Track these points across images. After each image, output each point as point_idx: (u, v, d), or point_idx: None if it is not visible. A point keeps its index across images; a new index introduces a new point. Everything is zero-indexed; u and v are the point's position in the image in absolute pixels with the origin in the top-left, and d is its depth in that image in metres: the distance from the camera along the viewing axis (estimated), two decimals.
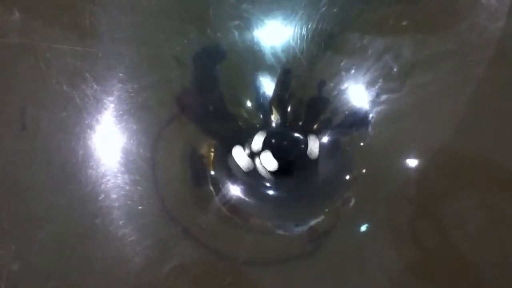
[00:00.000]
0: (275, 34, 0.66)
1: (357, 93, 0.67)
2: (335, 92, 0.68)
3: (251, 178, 0.72)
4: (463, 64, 0.65)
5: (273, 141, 0.73)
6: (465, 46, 0.64)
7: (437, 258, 0.65)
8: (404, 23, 0.65)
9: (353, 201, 0.68)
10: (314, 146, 0.72)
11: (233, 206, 0.69)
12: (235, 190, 0.70)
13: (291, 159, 0.73)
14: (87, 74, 0.63)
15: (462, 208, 0.64)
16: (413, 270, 0.65)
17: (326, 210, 0.70)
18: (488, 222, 0.63)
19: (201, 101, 0.70)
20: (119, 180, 0.64)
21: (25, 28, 0.63)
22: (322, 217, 0.69)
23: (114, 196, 0.63)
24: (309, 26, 0.65)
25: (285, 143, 0.73)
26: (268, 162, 0.71)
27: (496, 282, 0.62)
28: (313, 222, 0.68)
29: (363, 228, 0.67)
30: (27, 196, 0.63)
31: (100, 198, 0.63)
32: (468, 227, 0.64)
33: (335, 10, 0.64)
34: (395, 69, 0.66)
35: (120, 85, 0.64)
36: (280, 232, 0.69)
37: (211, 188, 0.69)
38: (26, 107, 0.63)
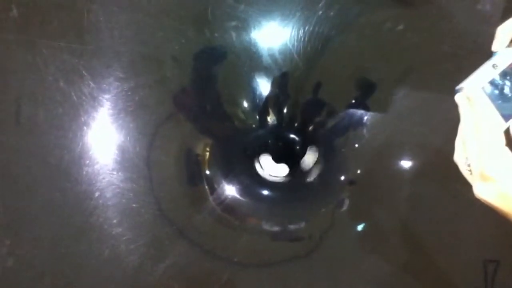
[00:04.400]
0: (273, 36, 0.65)
1: (353, 96, 0.67)
2: (331, 94, 0.68)
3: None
4: (458, 68, 0.65)
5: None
6: (460, 50, 0.64)
7: (429, 259, 0.64)
8: (401, 26, 0.64)
9: (347, 202, 0.69)
10: (309, 159, 0.73)
11: (228, 205, 0.68)
12: (230, 190, 0.69)
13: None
14: (84, 72, 0.62)
15: (457, 211, 0.64)
16: (405, 270, 0.65)
17: (322, 210, 0.71)
18: (481, 225, 0.64)
19: (198, 101, 0.68)
20: (115, 178, 0.62)
21: (22, 24, 0.62)
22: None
23: (109, 194, 0.62)
24: (306, 28, 0.64)
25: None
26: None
27: None
28: None
29: (358, 229, 0.67)
30: (22, 192, 0.62)
31: (96, 196, 0.61)
32: (464, 230, 0.64)
33: (332, 13, 0.63)
34: (391, 72, 0.66)
35: (117, 83, 0.63)
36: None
37: (206, 187, 0.68)
38: (22, 103, 0.63)
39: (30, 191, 0.62)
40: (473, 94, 0.35)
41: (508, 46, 0.37)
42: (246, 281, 0.65)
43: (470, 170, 0.36)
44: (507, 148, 0.34)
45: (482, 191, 0.35)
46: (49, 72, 0.62)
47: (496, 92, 0.35)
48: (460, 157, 0.37)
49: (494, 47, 0.37)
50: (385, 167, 0.68)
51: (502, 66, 0.36)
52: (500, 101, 0.35)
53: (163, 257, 0.63)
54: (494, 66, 0.36)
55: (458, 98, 0.37)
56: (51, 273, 0.62)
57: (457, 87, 0.37)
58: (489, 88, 0.35)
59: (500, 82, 0.36)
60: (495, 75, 0.36)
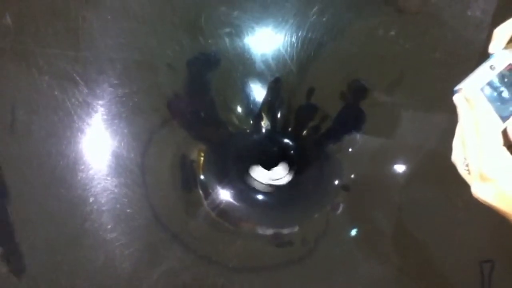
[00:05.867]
0: (266, 42, 0.65)
1: (346, 101, 0.67)
2: (324, 99, 0.68)
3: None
4: (449, 73, 0.66)
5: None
6: (451, 56, 0.64)
7: (425, 262, 0.65)
8: (393, 33, 0.64)
9: (341, 206, 0.69)
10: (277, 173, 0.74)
11: (223, 210, 0.68)
12: (224, 195, 0.69)
13: None
14: (78, 79, 0.62)
15: (452, 213, 0.64)
16: (401, 274, 0.65)
17: (316, 215, 0.71)
18: (476, 226, 0.65)
19: (192, 107, 0.68)
20: (109, 184, 0.62)
21: (17, 32, 0.62)
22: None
23: (103, 199, 0.61)
24: (299, 34, 0.64)
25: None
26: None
27: None
28: None
29: (352, 233, 0.67)
30: (17, 199, 0.62)
31: (90, 201, 0.61)
32: (458, 232, 0.65)
33: (324, 19, 0.64)
34: (383, 78, 0.66)
35: (111, 89, 0.63)
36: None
37: (201, 192, 0.68)
38: (17, 110, 0.63)
39: (25, 198, 0.62)
40: (471, 95, 0.36)
41: (505, 48, 0.37)
42: (241, 286, 0.65)
43: (468, 170, 0.37)
44: (504, 148, 0.35)
45: (480, 190, 0.36)
46: (43, 79, 0.62)
47: (495, 94, 0.36)
48: (458, 157, 0.37)
49: (491, 49, 0.37)
50: (379, 171, 0.68)
51: (500, 68, 0.36)
52: (498, 103, 0.36)
53: (158, 263, 0.63)
54: (491, 67, 0.36)
55: (456, 99, 0.37)
56: (46, 279, 0.62)
57: (456, 88, 0.37)
58: (487, 90, 0.36)
59: (498, 84, 0.36)
60: (493, 77, 0.36)
